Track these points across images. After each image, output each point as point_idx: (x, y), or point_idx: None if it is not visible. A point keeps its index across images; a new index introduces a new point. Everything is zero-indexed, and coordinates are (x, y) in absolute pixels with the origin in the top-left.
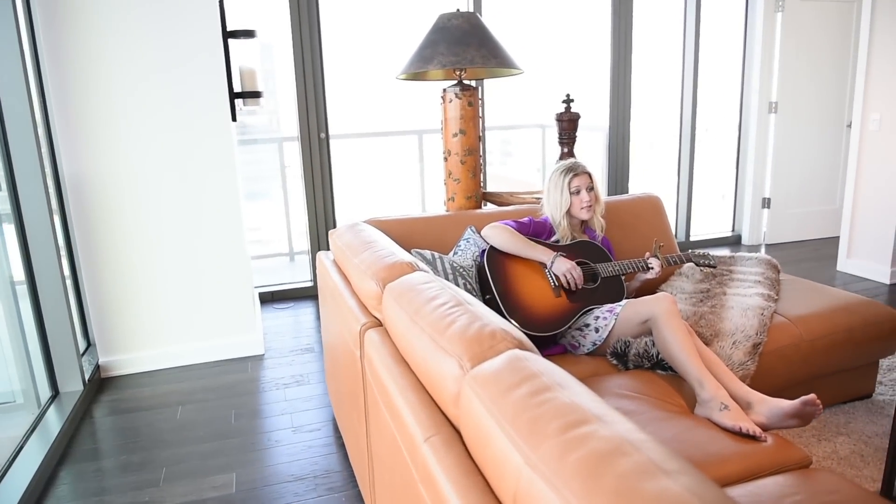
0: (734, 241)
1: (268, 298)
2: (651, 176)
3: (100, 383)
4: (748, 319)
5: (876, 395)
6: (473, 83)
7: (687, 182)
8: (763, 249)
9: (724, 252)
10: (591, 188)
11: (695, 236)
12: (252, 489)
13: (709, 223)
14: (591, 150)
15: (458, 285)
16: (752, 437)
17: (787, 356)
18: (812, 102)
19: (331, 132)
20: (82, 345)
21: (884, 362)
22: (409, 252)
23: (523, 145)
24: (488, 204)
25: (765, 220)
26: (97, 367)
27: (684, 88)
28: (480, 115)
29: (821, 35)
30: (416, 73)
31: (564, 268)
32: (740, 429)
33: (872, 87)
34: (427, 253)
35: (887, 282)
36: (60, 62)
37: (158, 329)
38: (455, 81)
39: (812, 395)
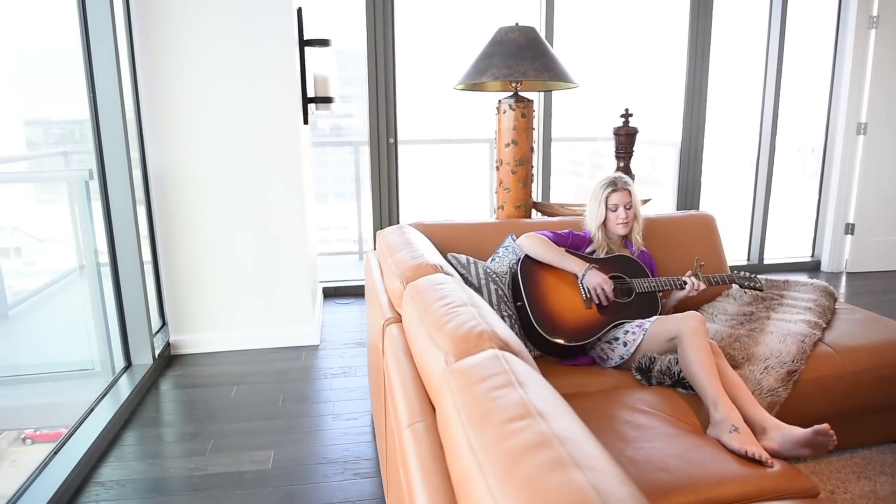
0: (813, 267)
1: (331, 293)
2: (727, 194)
3: (169, 359)
4: (786, 345)
5: None
6: (542, 95)
7: (763, 203)
8: (844, 277)
9: (798, 278)
10: (629, 206)
11: (769, 259)
12: (286, 467)
13: (787, 247)
14: (663, 166)
15: (489, 290)
16: (758, 462)
17: (827, 387)
18: None
19: (401, 137)
20: (157, 323)
21: None
22: (446, 256)
23: (610, 156)
24: (542, 216)
25: (847, 246)
26: (167, 345)
27: (765, 106)
28: (534, 126)
29: None
30: (473, 84)
31: (595, 281)
32: (746, 452)
33: None
34: (462, 257)
35: None
36: (151, 67)
37: (223, 314)
38: (511, 93)
39: (825, 426)
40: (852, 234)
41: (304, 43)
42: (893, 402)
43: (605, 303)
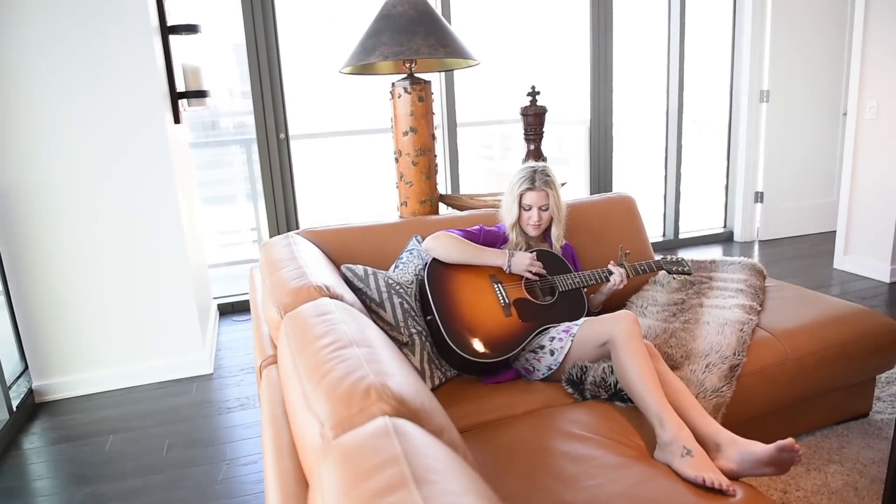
0: (726, 238)
1: (228, 310)
2: (638, 172)
3: (32, 409)
4: (725, 337)
5: (873, 413)
6: (443, 76)
7: (675, 177)
8: (756, 246)
9: (711, 253)
10: (545, 207)
11: (684, 233)
12: None
13: (700, 219)
14: (573, 145)
15: (393, 305)
16: (718, 491)
17: (771, 377)
18: (806, 90)
19: (295, 132)
20: (17, 368)
21: (881, 376)
22: (340, 268)
23: (520, 138)
24: (450, 210)
25: (758, 215)
26: (30, 392)
27: (670, 77)
28: (434, 111)
29: (814, 18)
30: (362, 66)
31: (525, 263)
32: (703, 480)
33: (868, 72)
34: (359, 269)
35: (887, 280)
36: None
37: (97, 349)
38: (405, 74)
39: (790, 441)
40: (762, 202)
41: (167, 30)
42: (836, 384)
43: (540, 274)
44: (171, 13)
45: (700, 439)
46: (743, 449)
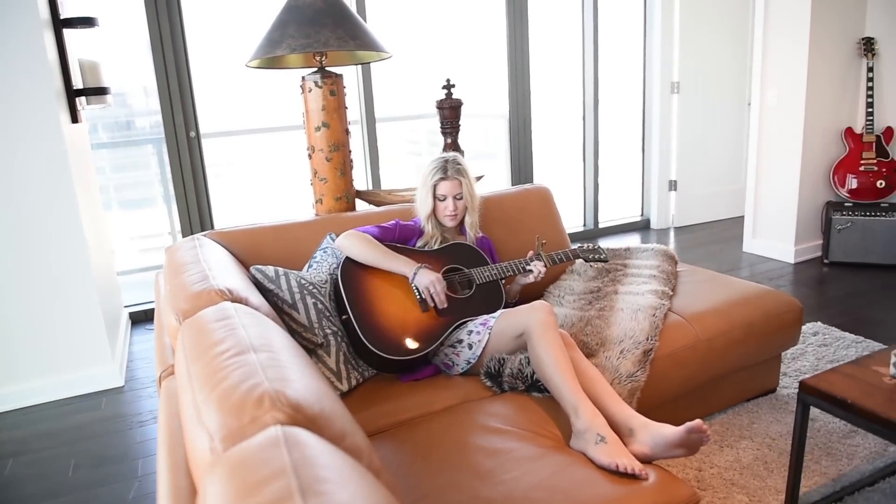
0: (643, 226)
1: (141, 318)
2: (558, 163)
3: None
4: (638, 322)
5: (780, 388)
6: (360, 70)
7: (593, 168)
8: (672, 233)
9: (629, 241)
10: (459, 196)
11: (604, 222)
12: None
13: (618, 208)
14: (495, 138)
15: (306, 306)
16: (631, 476)
17: (683, 360)
18: (714, 81)
19: (206, 130)
20: None
21: (786, 353)
22: (249, 270)
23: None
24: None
25: (672, 202)
26: None
27: (585, 71)
28: (348, 105)
29: (719, 13)
30: (269, 59)
31: (426, 281)
32: (617, 466)
33: (770, 62)
34: (270, 269)
35: (792, 261)
36: None
37: None
38: (315, 68)
39: (698, 422)
40: (676, 190)
41: (61, 23)
42: (745, 363)
43: (439, 305)
44: (65, 6)
45: (614, 425)
46: (654, 432)
